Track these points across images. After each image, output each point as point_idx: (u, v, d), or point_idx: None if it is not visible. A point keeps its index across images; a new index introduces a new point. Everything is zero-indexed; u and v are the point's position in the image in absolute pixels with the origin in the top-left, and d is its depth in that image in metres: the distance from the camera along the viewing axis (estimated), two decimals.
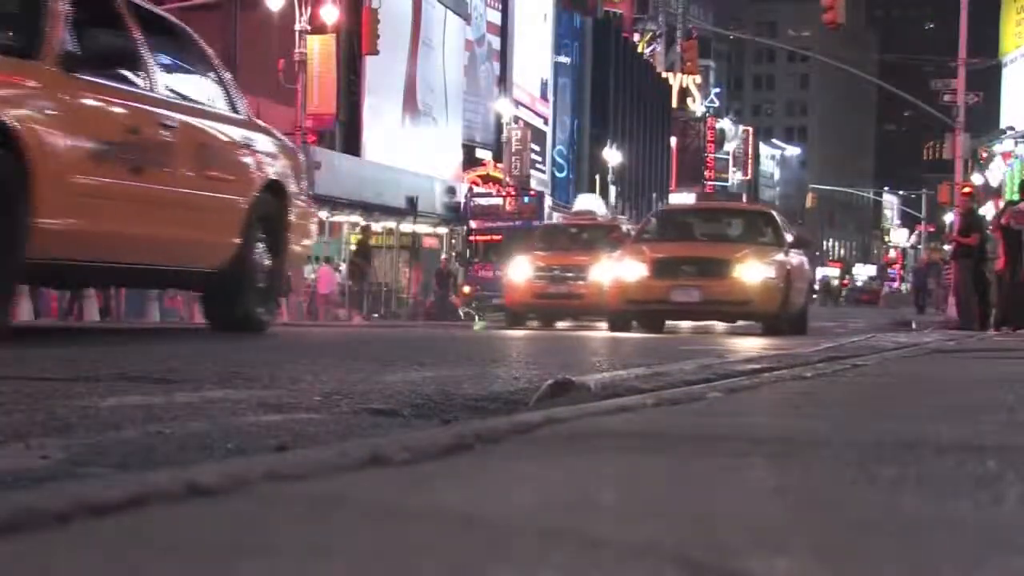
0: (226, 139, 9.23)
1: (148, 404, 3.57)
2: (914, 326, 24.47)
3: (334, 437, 2.97)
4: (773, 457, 2.09)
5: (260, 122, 10.48)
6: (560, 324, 22.32)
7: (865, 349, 7.82)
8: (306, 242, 10.62)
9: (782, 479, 1.86)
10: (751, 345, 10.51)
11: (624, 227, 24.37)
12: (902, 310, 50.19)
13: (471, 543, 1.31)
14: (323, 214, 37.67)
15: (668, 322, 17.98)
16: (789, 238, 18.10)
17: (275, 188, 9.73)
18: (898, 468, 1.95)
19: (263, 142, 9.87)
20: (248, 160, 9.49)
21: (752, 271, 16.50)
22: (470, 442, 2.09)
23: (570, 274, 21.65)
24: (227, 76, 9.85)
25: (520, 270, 22.48)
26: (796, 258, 17.94)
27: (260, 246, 9.50)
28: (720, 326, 18.48)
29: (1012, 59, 54.21)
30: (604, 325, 18.50)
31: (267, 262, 9.61)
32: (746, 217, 19.88)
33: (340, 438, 2.90)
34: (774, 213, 19.79)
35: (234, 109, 9.64)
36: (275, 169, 9.83)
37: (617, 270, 17.38)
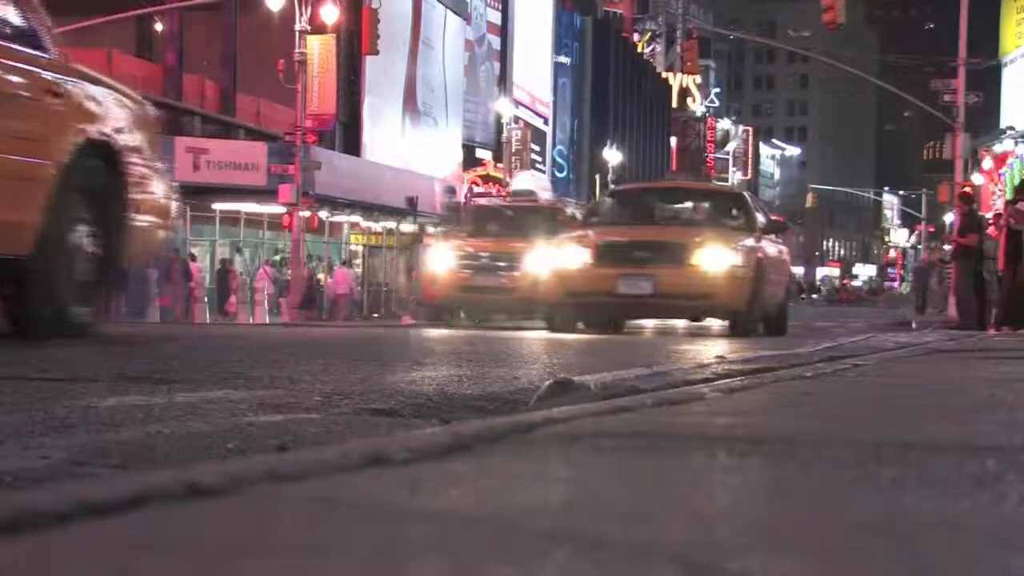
0: (19, 84, 6.93)
1: (148, 404, 3.57)
2: (914, 326, 24.48)
3: (334, 437, 2.97)
4: (773, 457, 2.09)
5: (85, 68, 8.00)
6: (494, 322, 19.79)
7: (865, 349, 7.82)
8: (157, 223, 8.31)
9: (782, 479, 1.86)
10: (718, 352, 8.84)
11: (569, 210, 21.59)
12: (902, 310, 50.21)
13: (471, 543, 1.31)
14: (323, 214, 37.75)
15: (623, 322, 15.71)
16: (762, 222, 15.72)
17: (105, 152, 7.51)
18: (898, 468, 1.95)
19: (86, 91, 7.51)
20: (57, 113, 7.14)
21: (714, 258, 14.02)
22: (470, 442, 2.09)
23: (501, 263, 18.59)
24: (34, 6, 7.41)
25: (442, 258, 19.22)
26: (772, 246, 15.68)
27: (82, 228, 7.37)
28: (698, 328, 16.29)
29: (1012, 59, 54.15)
30: (542, 323, 16.12)
31: (93, 249, 7.48)
32: (713, 198, 17.12)
33: (340, 438, 2.90)
34: (745, 194, 17.45)
35: (42, 48, 7.26)
36: (103, 127, 7.51)
37: (556, 257, 14.84)
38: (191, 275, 31.14)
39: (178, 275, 29.30)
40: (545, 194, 27.23)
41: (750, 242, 14.69)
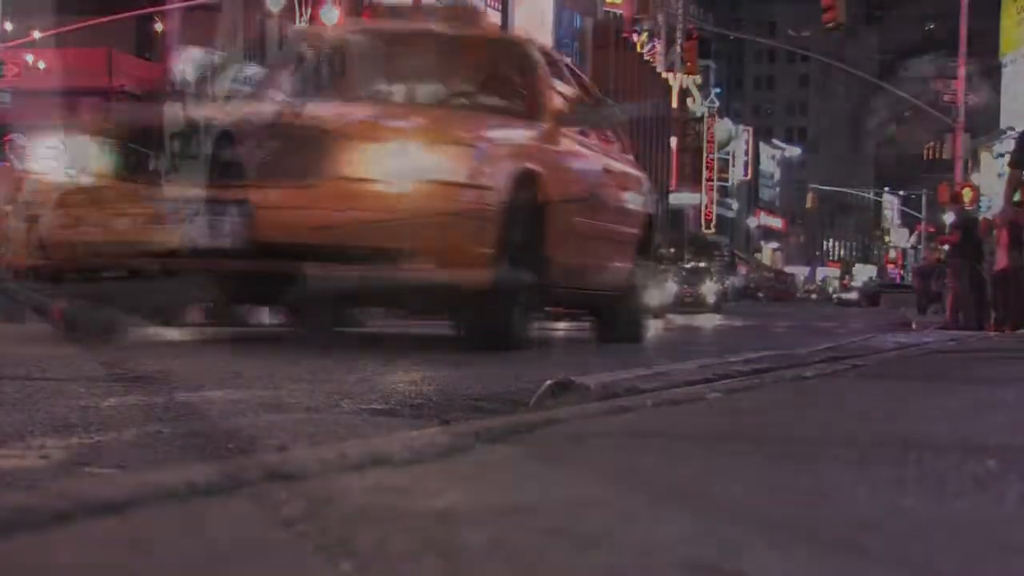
0: None
1: (148, 404, 3.57)
2: (914, 326, 24.47)
3: (334, 437, 2.97)
4: (773, 457, 2.09)
5: None
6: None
7: (865, 349, 7.81)
8: None
9: (782, 479, 1.86)
10: None
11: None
12: (902, 310, 50.19)
13: (471, 543, 1.31)
14: None
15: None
16: (560, 103, 8.27)
17: None
18: (898, 468, 1.95)
19: None
20: None
21: (398, 163, 6.21)
22: (470, 442, 2.09)
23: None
24: None
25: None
26: (592, 155, 8.64)
27: None
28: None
29: (1012, 59, 54.20)
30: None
31: None
32: (470, 53, 8.89)
33: (340, 438, 2.90)
34: (532, 50, 8.76)
35: None
36: None
37: (24, 163, 7.62)
38: None
39: None
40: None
41: (516, 136, 7.39)
